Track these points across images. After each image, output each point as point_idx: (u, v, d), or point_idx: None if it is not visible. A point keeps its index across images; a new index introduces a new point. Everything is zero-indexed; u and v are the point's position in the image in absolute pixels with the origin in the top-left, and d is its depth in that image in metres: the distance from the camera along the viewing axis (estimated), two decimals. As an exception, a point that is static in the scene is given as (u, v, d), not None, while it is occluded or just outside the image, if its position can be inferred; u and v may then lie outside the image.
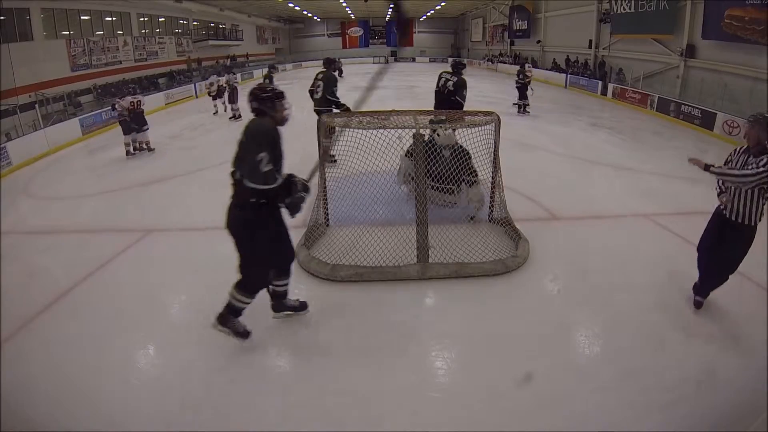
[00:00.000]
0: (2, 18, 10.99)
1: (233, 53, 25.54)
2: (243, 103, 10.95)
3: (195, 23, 21.89)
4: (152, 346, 2.95)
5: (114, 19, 15.76)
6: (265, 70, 12.64)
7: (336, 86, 6.12)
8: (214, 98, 11.82)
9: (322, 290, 3.44)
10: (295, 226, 4.46)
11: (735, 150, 2.86)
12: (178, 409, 2.37)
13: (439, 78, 5.92)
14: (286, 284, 2.94)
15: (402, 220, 4.11)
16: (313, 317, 3.20)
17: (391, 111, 4.19)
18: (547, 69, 18.68)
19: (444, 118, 4.40)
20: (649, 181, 5.96)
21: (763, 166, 2.59)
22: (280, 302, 3.02)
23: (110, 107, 8.20)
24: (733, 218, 2.83)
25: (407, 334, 2.94)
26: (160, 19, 18.90)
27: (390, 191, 4.07)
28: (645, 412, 2.30)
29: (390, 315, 3.14)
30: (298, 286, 3.51)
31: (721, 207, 2.92)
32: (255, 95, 2.56)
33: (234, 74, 11.97)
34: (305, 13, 31.34)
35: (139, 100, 7.91)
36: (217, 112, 11.94)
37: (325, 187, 4.28)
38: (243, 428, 2.25)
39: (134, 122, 7.84)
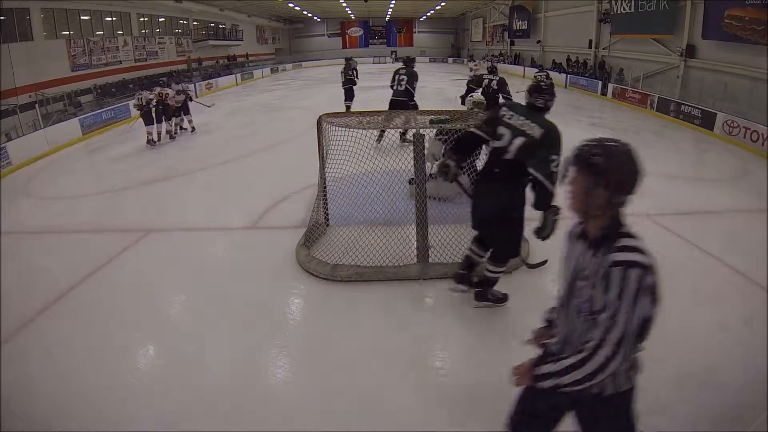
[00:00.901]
0: (2, 18, 10.99)
1: (233, 53, 25.55)
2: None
3: (195, 23, 21.89)
4: (152, 346, 2.96)
5: (114, 19, 15.75)
6: (342, 62, 9.76)
7: (417, 81, 7.04)
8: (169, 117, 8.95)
9: (322, 290, 3.44)
10: (295, 226, 4.49)
11: (568, 233, 1.51)
12: (177, 409, 2.37)
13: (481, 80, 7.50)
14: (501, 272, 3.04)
15: (402, 220, 4.11)
16: (313, 317, 3.21)
17: (391, 111, 4.19)
18: (548, 69, 18.68)
19: (444, 118, 4.40)
20: (649, 181, 5.93)
21: (625, 307, 1.15)
22: (486, 290, 3.11)
23: (138, 100, 8.50)
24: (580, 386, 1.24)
25: (407, 334, 2.93)
26: (160, 19, 18.90)
27: (390, 191, 4.07)
28: (645, 412, 2.30)
29: (390, 315, 3.14)
30: (298, 286, 3.52)
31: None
32: (554, 94, 2.79)
33: (186, 83, 9.81)
34: (305, 13, 31.34)
35: (167, 93, 8.65)
36: (159, 139, 8.69)
37: (325, 187, 4.28)
38: (242, 428, 2.25)
39: (163, 113, 8.62)
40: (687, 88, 11.56)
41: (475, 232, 3.02)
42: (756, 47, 9.24)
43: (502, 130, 2.71)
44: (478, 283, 3.10)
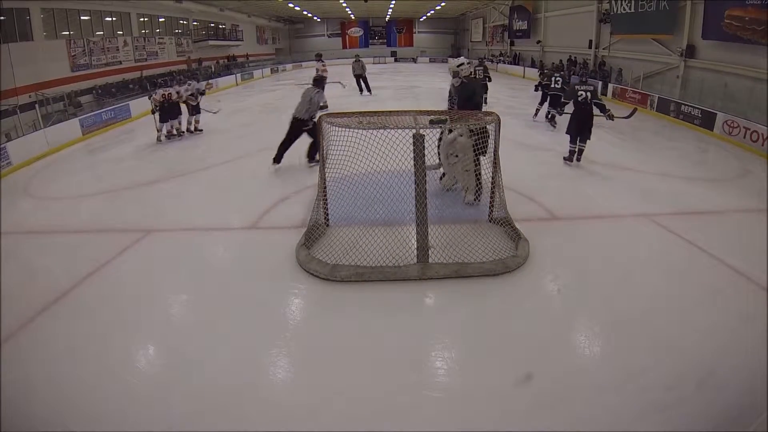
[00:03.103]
0: (2, 18, 10.98)
1: (233, 53, 25.55)
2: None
3: (195, 23, 21.87)
4: (152, 346, 2.96)
5: (114, 19, 15.74)
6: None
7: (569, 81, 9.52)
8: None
9: (322, 290, 3.44)
10: (295, 226, 4.49)
11: None
12: (177, 409, 2.37)
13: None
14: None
15: (402, 220, 4.11)
16: (313, 317, 3.21)
17: (391, 111, 4.19)
18: (546, 69, 18.65)
19: (444, 118, 4.40)
20: (649, 181, 5.96)
21: None
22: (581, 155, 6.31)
23: (149, 97, 8.80)
24: None
25: (407, 334, 2.94)
26: (160, 19, 18.88)
27: (390, 191, 4.07)
28: (645, 412, 2.30)
29: (390, 315, 3.14)
30: (298, 286, 3.52)
31: None
32: (587, 77, 7.00)
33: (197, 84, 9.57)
34: (305, 13, 31.31)
35: (170, 93, 8.73)
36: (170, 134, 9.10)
37: (325, 187, 4.28)
38: (242, 428, 2.25)
39: (167, 112, 8.71)
40: (687, 88, 11.56)
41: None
42: (756, 47, 9.23)
43: (580, 92, 6.11)
44: (579, 156, 6.42)
